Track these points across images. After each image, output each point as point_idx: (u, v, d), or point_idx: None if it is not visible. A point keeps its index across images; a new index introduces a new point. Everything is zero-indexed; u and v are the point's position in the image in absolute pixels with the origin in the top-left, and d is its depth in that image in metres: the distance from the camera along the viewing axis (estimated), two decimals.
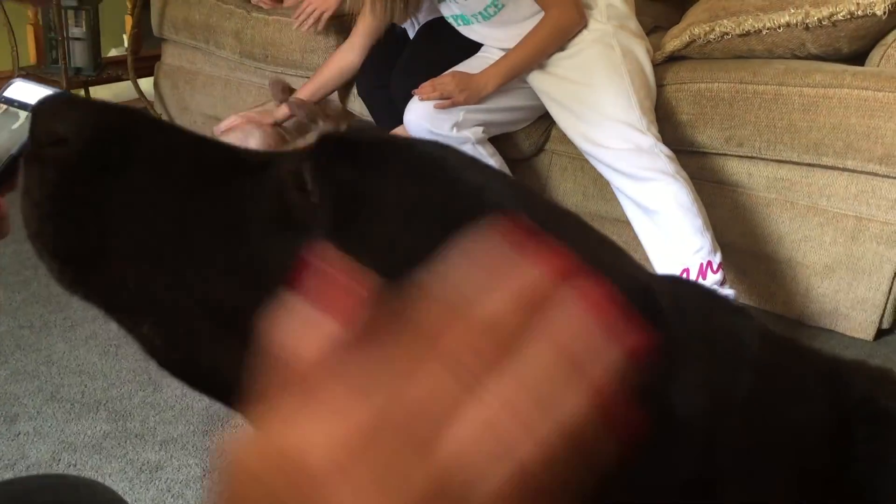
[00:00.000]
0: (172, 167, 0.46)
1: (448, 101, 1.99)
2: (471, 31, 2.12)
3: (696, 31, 2.07)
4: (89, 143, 0.46)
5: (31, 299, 1.90)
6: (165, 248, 0.45)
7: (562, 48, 1.99)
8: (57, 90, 0.53)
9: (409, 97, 2.11)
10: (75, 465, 1.40)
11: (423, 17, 2.34)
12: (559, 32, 1.97)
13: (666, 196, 1.79)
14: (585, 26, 1.97)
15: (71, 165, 0.46)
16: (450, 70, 2.05)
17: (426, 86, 2.02)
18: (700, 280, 1.75)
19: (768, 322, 2.04)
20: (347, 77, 2.39)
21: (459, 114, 2.00)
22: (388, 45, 2.35)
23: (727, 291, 1.80)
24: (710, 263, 1.78)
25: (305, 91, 2.36)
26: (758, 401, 0.52)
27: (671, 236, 1.79)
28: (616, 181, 1.88)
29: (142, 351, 0.47)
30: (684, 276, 1.76)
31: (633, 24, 2.02)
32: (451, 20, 2.10)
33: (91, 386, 1.61)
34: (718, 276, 1.78)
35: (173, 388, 1.62)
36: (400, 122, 2.20)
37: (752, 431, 0.53)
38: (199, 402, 1.58)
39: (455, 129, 2.01)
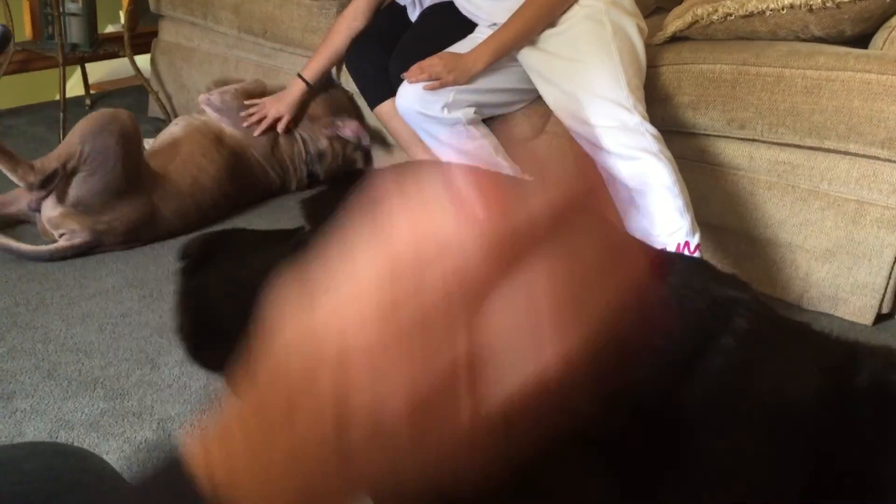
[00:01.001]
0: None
1: (437, 83, 1.97)
2: (468, 2, 2.09)
3: (699, 11, 2.06)
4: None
5: (28, 276, 1.89)
6: None
7: (552, 24, 1.97)
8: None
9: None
10: (72, 443, 1.39)
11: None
12: (549, 8, 1.94)
13: (649, 175, 1.79)
14: (577, 1, 1.95)
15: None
16: (440, 53, 2.03)
17: (414, 69, 2.01)
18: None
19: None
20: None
21: (449, 95, 1.98)
22: (382, 20, 2.34)
23: None
24: (687, 244, 1.78)
25: (318, 60, 2.37)
26: (738, 367, 0.55)
27: (651, 215, 1.80)
28: (600, 158, 1.87)
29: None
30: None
31: (627, 1, 2.00)
32: None
33: (88, 364, 1.60)
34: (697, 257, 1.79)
35: (170, 367, 1.61)
36: (387, 97, 2.24)
37: (724, 392, 0.56)
38: (197, 382, 1.57)
39: (446, 111, 1.99)
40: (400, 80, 2.08)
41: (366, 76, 2.30)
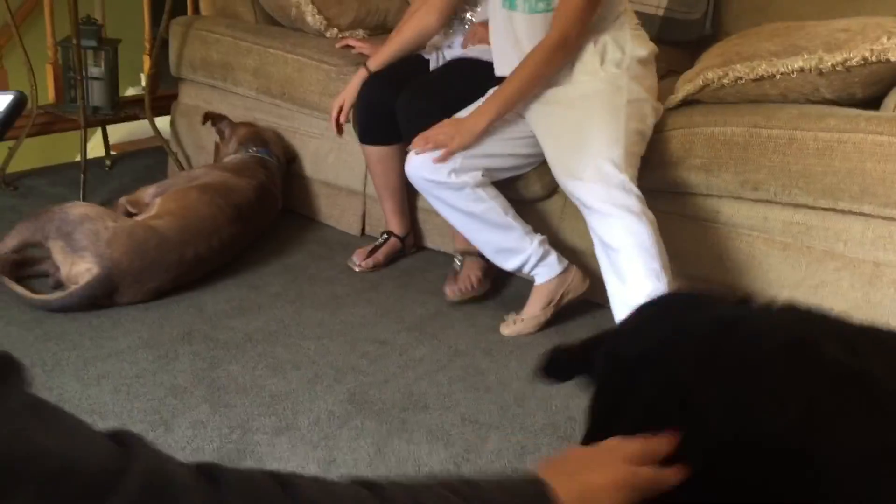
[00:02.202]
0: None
1: (445, 152, 1.99)
2: (508, 20, 2.05)
3: (710, 75, 2.08)
4: None
5: (44, 337, 1.90)
6: None
7: (569, 81, 2.00)
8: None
9: (412, 116, 2.16)
10: None
11: (450, 53, 2.38)
12: (547, 62, 1.96)
13: (627, 234, 1.79)
14: (579, 59, 1.99)
15: None
16: (442, 121, 2.06)
17: (419, 139, 2.04)
18: None
19: None
20: (425, 41, 2.39)
21: (457, 160, 2.00)
22: (403, 63, 2.39)
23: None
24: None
25: (383, 54, 2.33)
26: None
27: (626, 276, 1.80)
28: (586, 216, 1.89)
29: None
30: None
31: (650, 83, 2.04)
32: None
33: (103, 426, 1.58)
34: None
35: (184, 429, 1.60)
36: (392, 140, 2.32)
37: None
38: (210, 444, 1.57)
39: (453, 175, 2.01)
40: (404, 117, 2.17)
41: (370, 112, 2.34)
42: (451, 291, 2.24)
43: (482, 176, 2.04)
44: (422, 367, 1.92)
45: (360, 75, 2.34)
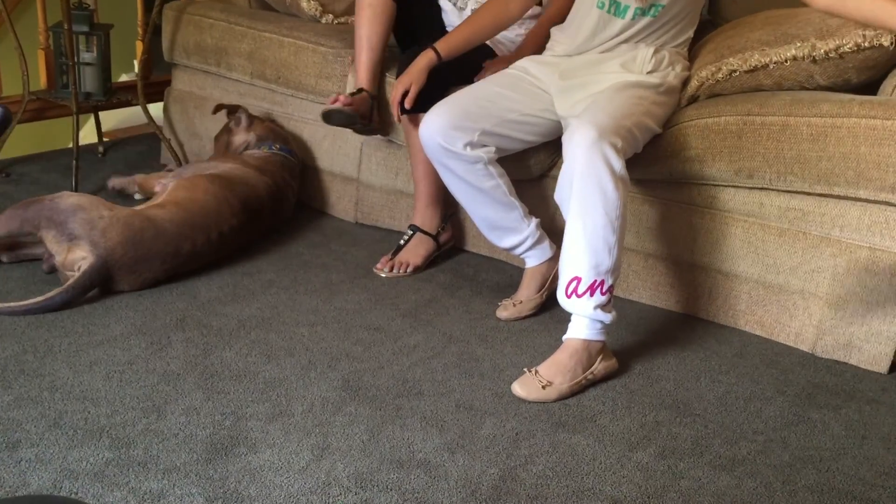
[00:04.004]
0: None
1: (410, 95, 2.11)
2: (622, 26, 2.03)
3: (703, 73, 2.08)
4: None
5: (36, 324, 1.89)
6: None
7: (611, 71, 2.03)
8: None
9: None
10: (77, 493, 1.38)
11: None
12: (494, 21, 2.13)
13: (599, 193, 1.74)
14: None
15: None
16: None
17: (395, 95, 2.14)
18: (587, 295, 1.77)
19: (779, 354, 2.05)
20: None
21: (475, 134, 2.00)
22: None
23: (607, 316, 1.79)
24: (601, 283, 1.77)
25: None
26: None
27: (581, 241, 1.76)
28: (568, 159, 1.81)
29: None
30: (574, 283, 1.78)
31: (675, 100, 2.10)
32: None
33: (94, 412, 1.59)
34: (604, 299, 1.78)
35: (177, 416, 1.60)
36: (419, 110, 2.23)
37: None
38: (203, 430, 1.56)
39: (468, 148, 2.00)
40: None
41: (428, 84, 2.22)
42: (383, 265, 2.33)
43: (494, 152, 2.05)
44: (416, 354, 1.91)
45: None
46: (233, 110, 2.62)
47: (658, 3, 1.97)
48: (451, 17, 2.45)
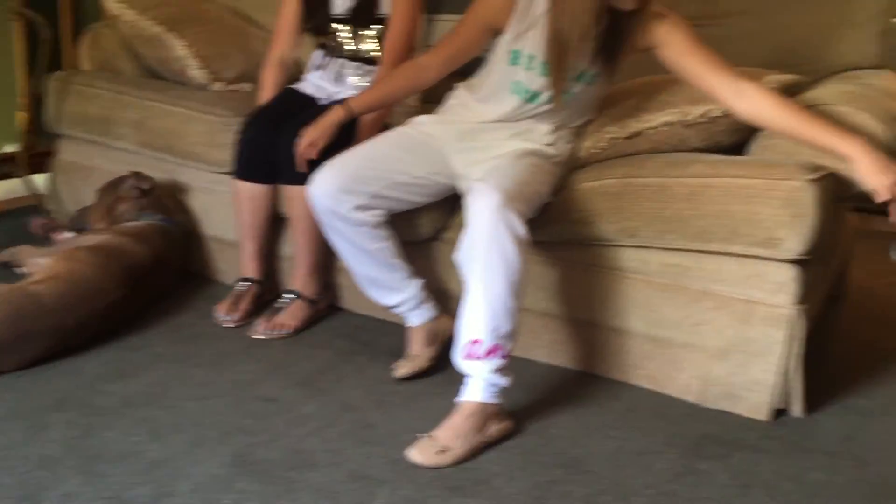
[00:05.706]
0: None
1: (317, 148, 2.10)
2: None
3: (587, 143, 2.18)
4: None
5: None
6: None
7: (505, 139, 2.08)
8: None
9: (292, 156, 2.15)
10: None
11: (340, 92, 2.42)
12: (403, 85, 2.14)
13: (501, 259, 1.77)
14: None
15: None
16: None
17: (303, 149, 2.12)
18: (486, 358, 1.79)
19: (668, 406, 2.08)
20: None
21: (364, 197, 2.01)
22: (286, 104, 2.43)
23: (504, 380, 1.83)
24: (499, 347, 1.80)
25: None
26: None
27: (482, 305, 1.78)
28: (471, 220, 1.82)
29: None
30: (472, 346, 1.79)
31: (566, 170, 2.17)
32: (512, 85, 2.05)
33: None
34: (501, 363, 1.81)
35: (53, 503, 1.51)
36: (269, 179, 2.35)
37: None
38: None
39: (358, 211, 2.01)
40: (285, 153, 2.19)
41: (252, 148, 2.36)
42: (266, 326, 2.32)
43: (382, 216, 2.06)
44: (310, 424, 1.87)
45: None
46: (143, 181, 2.55)
47: (570, 91, 2.03)
48: (326, 87, 2.50)
